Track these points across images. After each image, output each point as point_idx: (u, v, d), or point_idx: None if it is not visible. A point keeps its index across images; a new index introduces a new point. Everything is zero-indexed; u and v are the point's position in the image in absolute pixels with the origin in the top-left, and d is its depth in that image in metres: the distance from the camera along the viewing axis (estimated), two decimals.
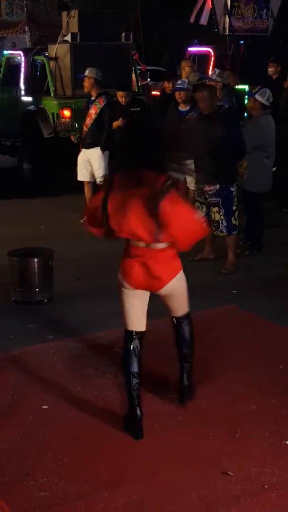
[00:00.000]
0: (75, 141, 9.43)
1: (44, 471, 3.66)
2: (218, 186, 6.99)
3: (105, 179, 4.20)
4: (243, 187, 7.43)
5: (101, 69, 9.42)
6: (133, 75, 12.32)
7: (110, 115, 9.00)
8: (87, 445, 3.91)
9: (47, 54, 11.55)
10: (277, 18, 16.06)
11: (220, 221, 7.07)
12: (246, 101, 9.07)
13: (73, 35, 11.29)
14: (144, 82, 13.08)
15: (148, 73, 15.69)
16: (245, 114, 9.38)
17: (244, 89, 11.38)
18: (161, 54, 20.35)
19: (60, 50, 11.31)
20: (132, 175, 3.79)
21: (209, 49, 15.61)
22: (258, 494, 3.44)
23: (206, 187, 7.07)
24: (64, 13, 12.02)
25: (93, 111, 9.05)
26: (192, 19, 16.38)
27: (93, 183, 9.24)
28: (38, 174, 11.34)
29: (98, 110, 9.02)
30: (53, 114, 11.02)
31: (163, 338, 4.64)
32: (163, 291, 4.04)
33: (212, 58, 15.41)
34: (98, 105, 9.03)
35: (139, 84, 12.40)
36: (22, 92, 11.98)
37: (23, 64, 11.98)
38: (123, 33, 12.03)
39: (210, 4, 15.72)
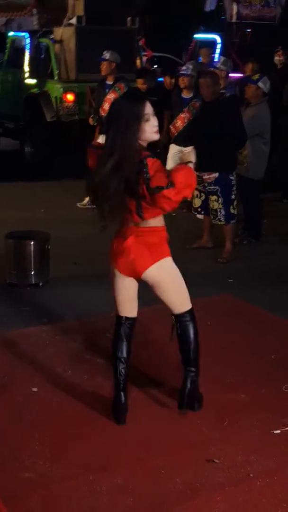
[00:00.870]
0: (94, 123, 9.32)
1: (31, 453, 3.65)
2: (217, 174, 6.96)
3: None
4: (242, 174, 7.39)
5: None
6: (138, 61, 12.27)
7: None
8: (74, 428, 3.91)
9: (52, 37, 11.50)
10: (285, 7, 15.97)
11: (218, 210, 7.04)
12: None
13: (79, 18, 11.24)
14: (151, 69, 13.02)
15: (155, 59, 15.66)
16: None
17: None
18: (168, 40, 20.24)
19: (65, 33, 11.27)
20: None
21: (215, 36, 15.53)
22: (243, 482, 3.44)
23: (205, 175, 7.04)
24: None
25: (112, 96, 8.94)
26: (207, 7, 16.23)
27: None
28: (40, 158, 11.31)
29: (118, 96, 8.94)
30: (56, 98, 10.99)
31: (158, 323, 4.62)
32: (146, 278, 3.89)
33: (219, 46, 15.34)
34: (119, 91, 8.94)
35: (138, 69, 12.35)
36: (26, 75, 11.94)
37: (27, 46, 11.93)
38: (129, 18, 11.97)
39: None
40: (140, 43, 13.15)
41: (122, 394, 3.93)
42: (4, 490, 3.34)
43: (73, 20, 11.37)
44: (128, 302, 4.00)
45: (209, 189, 7.05)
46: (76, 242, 7.58)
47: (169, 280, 3.97)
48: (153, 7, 17.77)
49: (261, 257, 7.23)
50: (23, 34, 12.29)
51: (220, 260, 7.03)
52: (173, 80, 9.80)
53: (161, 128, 9.01)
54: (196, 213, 7.47)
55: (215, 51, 15.14)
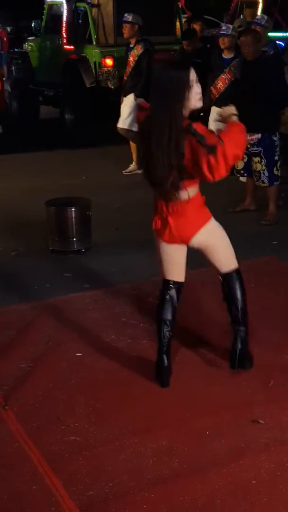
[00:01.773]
0: (112, 87, 9.29)
1: (75, 416, 3.68)
2: (259, 135, 6.83)
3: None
4: (285, 133, 7.23)
5: (145, 16, 9.24)
6: (178, 23, 12.06)
7: (148, 62, 8.82)
8: (119, 392, 3.92)
9: (89, 1, 11.36)
10: None
11: (261, 171, 6.93)
12: None
13: None
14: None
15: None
16: None
17: None
18: (207, 1, 19.87)
19: None
20: None
21: None
22: None
23: (248, 136, 6.90)
24: None
25: (131, 59, 8.87)
26: None
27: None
28: (80, 124, 11.24)
29: (136, 57, 8.85)
30: (95, 63, 10.87)
31: (205, 286, 4.57)
32: (194, 244, 3.89)
33: (260, 4, 14.95)
34: (136, 52, 8.85)
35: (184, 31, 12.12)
36: (64, 41, 11.84)
37: (65, 12, 11.81)
38: None
39: None
40: (179, 4, 12.89)
41: (165, 357, 3.93)
42: (50, 452, 3.37)
43: None
44: (176, 266, 3.96)
45: (252, 150, 6.92)
46: (117, 208, 7.56)
47: (216, 242, 3.98)
48: None
49: None
50: None
51: (264, 222, 6.93)
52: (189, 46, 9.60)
53: (205, 91, 8.91)
54: (239, 175, 7.36)
55: (256, 10, 14.78)
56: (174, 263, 3.97)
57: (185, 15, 14.20)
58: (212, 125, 8.77)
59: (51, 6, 12.48)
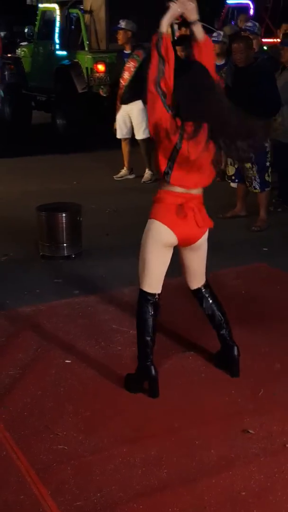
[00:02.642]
0: (104, 95, 9.28)
1: (64, 425, 3.64)
2: None
3: None
4: (277, 139, 7.23)
5: (138, 22, 9.23)
6: (169, 29, 12.05)
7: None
8: (108, 400, 3.88)
9: (82, 7, 11.36)
10: None
11: (253, 177, 6.92)
12: None
13: None
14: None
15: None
16: None
17: None
18: (201, 6, 19.88)
19: (95, 3, 11.14)
20: None
21: (248, 1, 15.19)
22: (278, 453, 3.38)
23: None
24: None
25: (131, 64, 8.82)
26: None
27: (130, 139, 9.13)
28: (72, 129, 11.24)
29: (138, 63, 8.81)
30: (87, 68, 10.88)
31: (181, 292, 4.54)
32: (197, 242, 3.87)
33: (251, 11, 15.00)
34: (138, 58, 8.81)
35: (175, 37, 12.12)
36: (57, 47, 11.84)
37: (58, 18, 11.81)
38: None
39: None
40: None
41: (152, 367, 3.88)
42: (38, 461, 3.33)
43: None
44: (162, 277, 3.90)
45: None
46: (108, 213, 7.53)
47: (206, 246, 4.00)
48: None
49: None
50: (53, 5, 12.16)
51: (254, 228, 6.93)
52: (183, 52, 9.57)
53: None
54: (230, 181, 7.35)
55: (248, 16, 14.82)
56: (162, 272, 3.87)
57: (177, 21, 14.21)
58: None
59: (44, 12, 12.47)
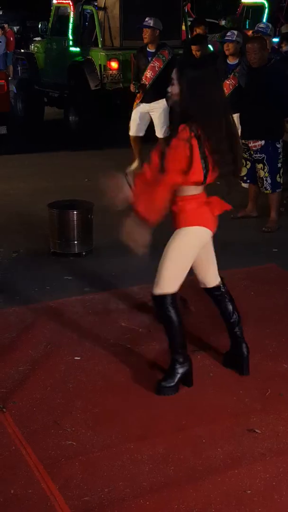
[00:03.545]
0: (136, 91, 9.22)
1: (73, 420, 3.69)
2: (263, 142, 6.85)
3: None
4: None
5: None
6: (184, 27, 12.08)
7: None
8: (116, 397, 3.93)
9: (96, 4, 11.37)
10: None
11: (264, 178, 6.94)
12: None
13: None
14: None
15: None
16: None
17: None
18: (214, 5, 19.90)
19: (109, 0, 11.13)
20: None
21: (263, 0, 15.19)
22: (284, 452, 3.42)
23: (251, 142, 6.94)
24: None
25: (156, 64, 8.83)
26: None
27: (141, 137, 9.15)
28: (84, 126, 11.25)
29: (163, 64, 8.82)
30: (100, 65, 10.88)
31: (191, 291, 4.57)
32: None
33: (266, 10, 15.00)
34: (163, 58, 8.82)
35: (189, 36, 12.13)
36: (70, 43, 11.86)
37: (71, 14, 11.83)
38: None
39: None
40: (186, 8, 12.92)
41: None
42: (46, 456, 3.38)
43: None
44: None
45: (255, 157, 6.94)
46: (119, 211, 7.54)
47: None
48: None
49: None
50: (67, 1, 12.18)
51: (265, 229, 6.94)
52: (198, 51, 9.59)
53: None
54: (241, 181, 7.36)
55: (263, 15, 14.83)
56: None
57: (191, 19, 14.22)
58: None
59: (58, 8, 12.49)
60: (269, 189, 6.96)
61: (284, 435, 3.56)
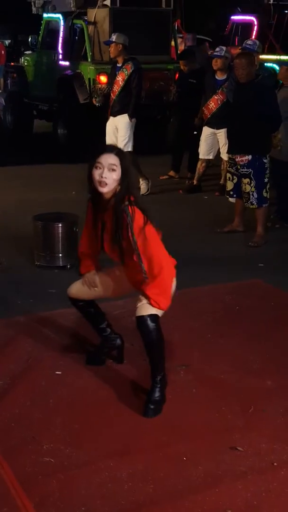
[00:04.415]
0: (97, 105, 9.30)
1: (51, 437, 3.61)
2: (250, 157, 6.84)
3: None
4: (276, 157, 7.24)
5: (140, 35, 9.28)
6: (173, 42, 12.11)
7: (138, 81, 8.82)
8: (96, 413, 3.86)
9: (86, 19, 11.39)
10: None
11: (250, 193, 6.92)
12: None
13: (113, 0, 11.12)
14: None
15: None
16: None
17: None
18: (204, 22, 19.99)
19: (99, 14, 11.15)
20: None
21: (252, 18, 15.27)
22: (266, 471, 3.35)
23: (238, 157, 6.93)
24: None
25: (120, 78, 8.83)
26: None
27: None
28: (72, 139, 11.24)
29: (126, 77, 8.83)
30: (89, 79, 10.89)
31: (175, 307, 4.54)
32: None
33: (255, 27, 15.08)
34: (126, 72, 8.83)
35: (178, 51, 12.16)
36: (60, 57, 11.87)
37: (61, 28, 11.85)
38: None
39: None
40: (175, 24, 12.96)
41: None
42: (23, 473, 3.30)
43: (108, 2, 11.26)
44: None
45: (242, 171, 6.92)
46: None
47: None
48: None
49: None
50: (57, 15, 12.21)
51: (251, 244, 6.92)
52: (186, 66, 9.66)
53: (198, 111, 8.94)
54: (228, 196, 7.35)
55: (252, 32, 14.91)
56: None
57: (181, 35, 14.28)
58: (203, 144, 8.82)
59: (48, 21, 12.53)
60: (255, 203, 6.94)
61: (266, 453, 3.49)
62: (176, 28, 12.83)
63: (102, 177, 3.77)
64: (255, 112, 6.73)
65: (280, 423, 3.78)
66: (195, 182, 9.16)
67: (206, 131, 8.76)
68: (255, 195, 6.90)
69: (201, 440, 3.61)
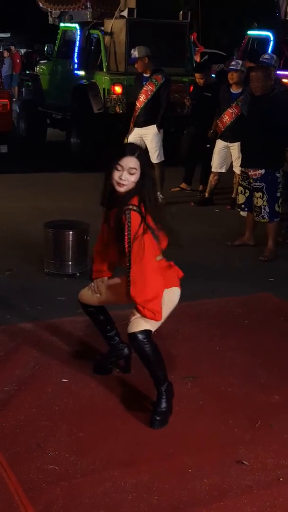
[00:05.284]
0: (121, 111, 9.30)
1: (56, 444, 3.59)
2: (263, 171, 6.82)
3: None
4: None
5: (156, 47, 9.29)
6: (189, 55, 12.15)
7: (167, 92, 8.87)
8: (102, 422, 3.83)
9: (102, 29, 11.44)
10: None
11: (262, 207, 6.90)
12: None
13: (130, 11, 11.17)
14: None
15: (206, 55, 15.50)
16: None
17: None
18: (221, 36, 20.06)
19: (116, 25, 11.19)
20: None
21: (268, 33, 15.30)
22: (272, 486, 3.32)
23: (251, 171, 6.91)
24: None
25: (149, 88, 8.83)
26: (282, 15, 15.58)
27: None
28: (85, 149, 11.26)
29: (155, 88, 8.84)
30: (104, 89, 10.92)
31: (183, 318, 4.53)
32: None
33: (271, 43, 15.11)
34: (156, 83, 8.84)
35: (194, 65, 12.18)
36: (75, 66, 11.92)
37: (78, 38, 11.91)
38: (181, 12, 11.86)
39: None
40: (192, 37, 13.00)
41: None
42: (27, 480, 3.28)
43: (125, 13, 11.31)
44: None
45: (255, 185, 6.91)
46: None
47: None
48: (208, 3, 17.60)
49: None
50: (74, 25, 12.26)
51: (262, 258, 6.89)
52: (202, 79, 9.67)
53: (211, 124, 8.96)
54: (239, 209, 7.34)
55: (268, 48, 14.93)
56: None
57: (197, 48, 14.33)
58: (216, 157, 8.82)
59: (65, 31, 12.59)
60: (266, 218, 6.92)
61: (272, 468, 3.46)
62: (192, 41, 12.87)
63: (121, 179, 3.76)
64: (269, 126, 6.73)
65: (287, 438, 3.74)
66: (206, 195, 9.17)
67: (220, 144, 8.76)
68: (267, 209, 6.89)
69: (207, 453, 3.58)
